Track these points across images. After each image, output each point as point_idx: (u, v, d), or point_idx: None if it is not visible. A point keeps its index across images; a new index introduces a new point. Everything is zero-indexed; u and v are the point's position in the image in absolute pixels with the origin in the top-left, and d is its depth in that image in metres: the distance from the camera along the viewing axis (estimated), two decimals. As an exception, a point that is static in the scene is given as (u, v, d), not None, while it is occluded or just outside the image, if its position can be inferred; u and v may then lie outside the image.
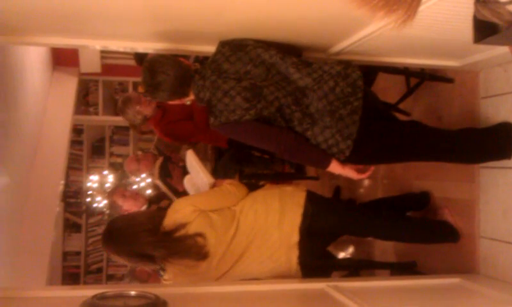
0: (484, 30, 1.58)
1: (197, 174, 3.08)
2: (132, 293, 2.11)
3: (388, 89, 3.80)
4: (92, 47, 2.70)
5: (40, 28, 2.45)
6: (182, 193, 3.50)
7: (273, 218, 2.66)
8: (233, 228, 2.65)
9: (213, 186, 3.02)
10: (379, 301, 2.43)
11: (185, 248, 2.56)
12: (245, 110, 2.34)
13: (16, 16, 2.26)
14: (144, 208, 4.15)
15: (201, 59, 3.58)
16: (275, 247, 2.64)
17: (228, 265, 2.65)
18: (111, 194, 4.35)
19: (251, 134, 2.44)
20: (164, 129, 4.12)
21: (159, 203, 4.17)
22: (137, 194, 4.20)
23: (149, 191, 5.42)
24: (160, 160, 3.74)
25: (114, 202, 4.20)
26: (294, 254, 2.65)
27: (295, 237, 2.64)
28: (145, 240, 2.56)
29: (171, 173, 3.52)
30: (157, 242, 2.56)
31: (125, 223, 2.70)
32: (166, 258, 2.57)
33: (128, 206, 4.16)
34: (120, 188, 4.37)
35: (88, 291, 2.12)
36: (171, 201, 3.78)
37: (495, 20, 1.43)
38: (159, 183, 3.67)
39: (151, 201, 4.26)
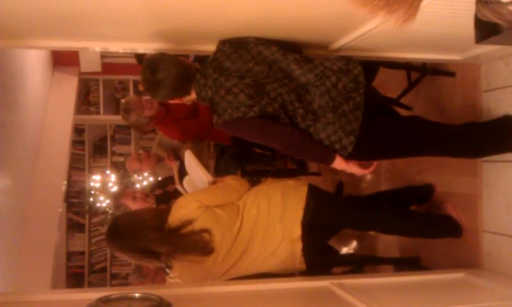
0: (486, 29, 1.57)
1: (196, 173, 3.07)
2: (137, 295, 2.10)
3: (389, 84, 3.79)
4: (92, 49, 2.70)
5: (39, 31, 2.44)
6: None
7: (275, 212, 2.66)
8: (238, 223, 2.64)
9: (213, 184, 3.02)
10: (384, 298, 2.43)
11: (191, 244, 2.55)
12: (248, 107, 2.34)
13: (16, 21, 2.26)
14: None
15: (201, 58, 3.57)
16: (278, 241, 2.64)
17: (234, 260, 2.65)
18: (120, 196, 4.33)
19: (255, 131, 2.43)
20: (168, 127, 4.12)
21: (167, 203, 4.16)
22: (147, 196, 4.19)
23: (151, 178, 5.38)
24: (177, 164, 3.71)
25: (123, 204, 4.18)
26: (298, 247, 2.65)
27: (297, 231, 2.64)
28: (150, 236, 2.56)
29: None
30: (162, 239, 2.55)
31: (130, 220, 2.70)
32: (171, 255, 2.57)
33: (138, 208, 4.15)
34: (129, 190, 4.35)
35: (92, 294, 2.12)
36: None
37: (496, 20, 1.42)
38: (180, 188, 3.65)
39: (159, 200, 4.24)
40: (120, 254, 2.69)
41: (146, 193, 4.32)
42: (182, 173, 3.79)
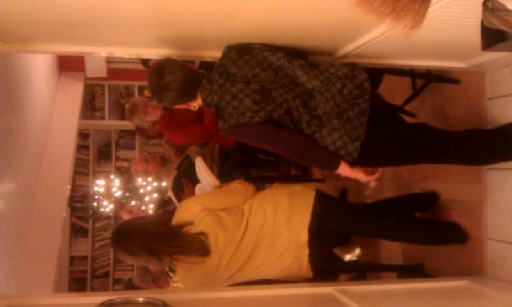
0: (492, 37, 1.58)
1: (205, 180, 3.08)
2: (140, 299, 2.10)
3: (394, 91, 3.79)
4: (98, 54, 2.71)
5: (45, 36, 2.46)
6: None
7: (282, 217, 2.66)
8: (242, 227, 2.64)
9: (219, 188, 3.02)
10: (387, 305, 2.42)
11: (185, 243, 2.56)
12: (254, 113, 2.34)
13: (23, 25, 2.27)
14: None
15: (206, 64, 3.59)
16: (285, 247, 2.64)
17: (238, 265, 2.64)
18: (118, 208, 4.37)
19: (261, 137, 2.43)
20: (173, 132, 4.13)
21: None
22: (144, 213, 4.22)
23: (155, 195, 5.40)
24: (174, 173, 3.73)
25: (120, 217, 4.22)
26: (305, 254, 2.64)
27: (304, 236, 2.64)
28: (149, 230, 2.59)
29: (184, 188, 3.53)
30: (160, 234, 2.58)
31: (134, 220, 2.80)
32: (169, 253, 2.57)
33: None
34: (127, 206, 4.39)
35: (95, 298, 2.12)
36: None
37: (503, 27, 1.43)
38: (171, 194, 3.66)
39: None
40: (122, 255, 2.70)
41: (144, 211, 4.35)
42: (177, 183, 3.80)
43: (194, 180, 3.36)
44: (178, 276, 2.68)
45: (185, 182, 3.49)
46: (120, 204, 4.81)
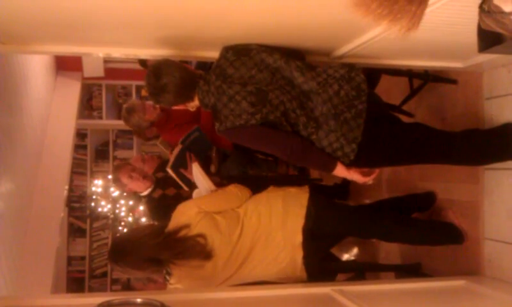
0: (488, 39, 1.59)
1: (202, 185, 3.09)
2: (138, 300, 2.10)
3: (391, 91, 3.79)
4: (95, 54, 2.70)
5: (43, 37, 2.45)
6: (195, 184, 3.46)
7: (277, 219, 2.67)
8: (238, 230, 2.65)
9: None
10: (385, 305, 2.43)
11: (188, 247, 2.56)
12: (251, 115, 2.34)
13: (21, 26, 2.27)
14: (149, 190, 4.11)
15: (203, 64, 3.58)
16: (280, 248, 2.65)
17: (234, 268, 2.66)
18: (117, 170, 4.26)
19: (257, 139, 2.44)
20: (169, 133, 4.12)
21: (164, 190, 4.13)
22: (144, 177, 4.15)
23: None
24: (178, 147, 3.65)
25: (119, 179, 4.12)
26: (299, 255, 2.66)
27: (299, 238, 2.65)
28: (149, 243, 2.57)
29: (188, 163, 3.46)
30: (160, 244, 2.57)
31: (129, 234, 2.78)
32: (171, 260, 2.57)
33: (134, 187, 4.11)
34: (128, 167, 4.29)
35: (93, 299, 2.13)
36: (177, 191, 3.79)
37: (499, 30, 1.43)
38: (170, 171, 3.61)
39: (157, 184, 4.20)
40: (124, 270, 2.67)
41: (144, 175, 4.26)
42: (181, 159, 3.74)
43: (200, 152, 3.33)
44: (175, 279, 2.68)
45: (188, 155, 3.41)
46: (119, 165, 4.58)
